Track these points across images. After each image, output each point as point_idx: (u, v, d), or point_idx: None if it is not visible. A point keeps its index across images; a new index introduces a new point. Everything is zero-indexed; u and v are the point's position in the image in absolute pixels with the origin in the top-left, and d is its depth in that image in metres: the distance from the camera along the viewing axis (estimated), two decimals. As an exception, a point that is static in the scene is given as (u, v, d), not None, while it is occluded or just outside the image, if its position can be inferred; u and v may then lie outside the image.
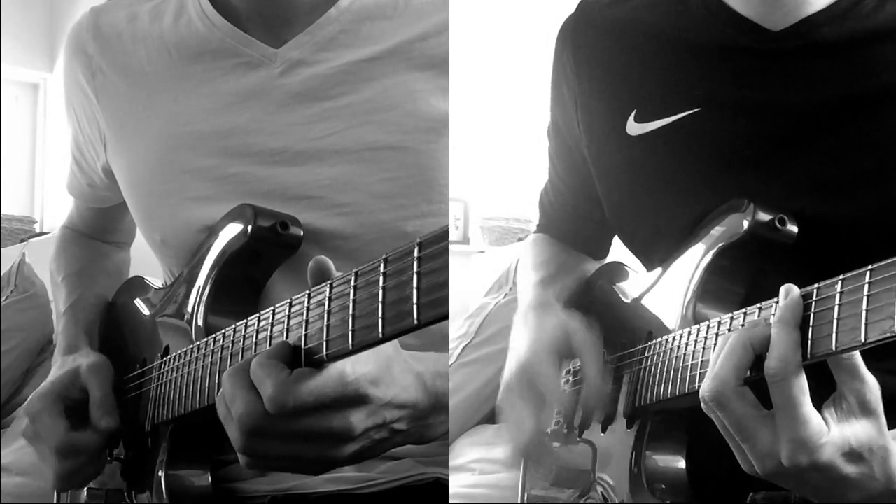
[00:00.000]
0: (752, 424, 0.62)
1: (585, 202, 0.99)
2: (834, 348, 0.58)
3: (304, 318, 0.62)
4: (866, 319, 0.55)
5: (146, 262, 0.99)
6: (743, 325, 0.67)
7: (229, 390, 0.63)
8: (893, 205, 0.73)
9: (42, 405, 0.84)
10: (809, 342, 0.60)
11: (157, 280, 0.96)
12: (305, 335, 0.62)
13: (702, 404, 0.65)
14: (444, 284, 0.51)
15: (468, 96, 3.01)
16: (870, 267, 0.56)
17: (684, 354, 0.74)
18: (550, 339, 0.86)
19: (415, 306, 0.53)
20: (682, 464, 0.78)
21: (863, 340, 0.55)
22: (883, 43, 0.75)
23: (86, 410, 0.85)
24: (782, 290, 0.63)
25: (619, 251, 1.00)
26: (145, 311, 0.94)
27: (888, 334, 0.54)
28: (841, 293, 0.58)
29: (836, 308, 0.58)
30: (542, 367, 0.84)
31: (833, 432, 0.61)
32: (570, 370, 0.92)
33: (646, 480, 0.77)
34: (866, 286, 0.56)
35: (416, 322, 0.53)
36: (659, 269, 0.85)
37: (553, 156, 1.04)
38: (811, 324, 0.60)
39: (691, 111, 0.82)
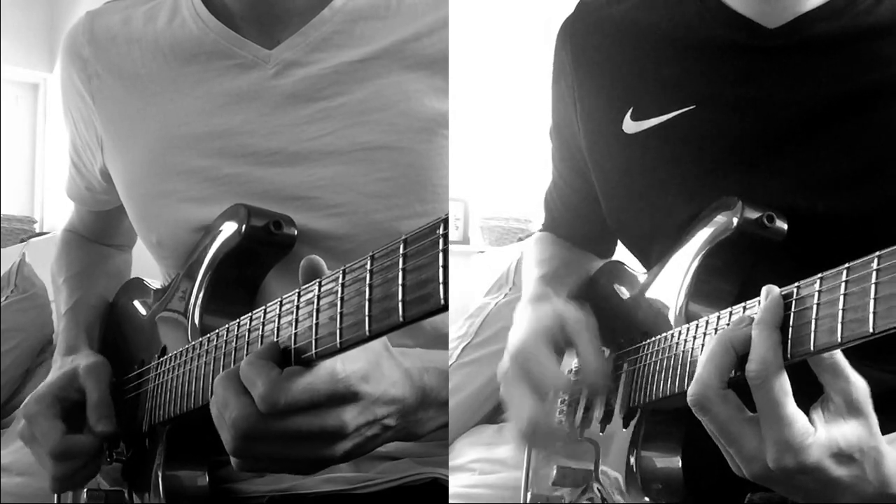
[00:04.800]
0: (735, 428, 0.62)
1: (588, 202, 0.99)
2: (812, 348, 0.57)
3: (294, 316, 0.62)
4: (843, 318, 0.54)
5: (148, 264, 0.99)
6: (728, 325, 0.67)
7: (221, 395, 0.62)
8: (888, 201, 0.73)
9: (39, 408, 0.84)
10: (789, 342, 0.59)
11: (156, 282, 0.97)
12: (295, 334, 0.62)
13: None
14: (430, 280, 0.51)
15: (468, 96, 3.01)
16: (846, 265, 0.55)
17: (675, 353, 0.74)
18: (543, 326, 0.84)
19: (400, 303, 0.53)
20: (677, 463, 0.77)
21: (839, 340, 0.55)
22: (879, 39, 0.75)
23: (83, 411, 0.85)
24: (763, 290, 0.62)
25: (624, 250, 0.99)
26: (143, 311, 0.94)
27: (864, 333, 0.53)
28: (819, 292, 0.57)
29: (815, 307, 0.57)
30: (534, 352, 0.82)
31: (820, 433, 0.59)
32: (570, 369, 0.92)
33: (641, 480, 0.77)
34: (843, 285, 0.55)
35: (401, 319, 0.53)
36: (655, 268, 0.85)
37: (555, 156, 1.04)
38: (791, 324, 0.59)
39: (687, 109, 0.82)
